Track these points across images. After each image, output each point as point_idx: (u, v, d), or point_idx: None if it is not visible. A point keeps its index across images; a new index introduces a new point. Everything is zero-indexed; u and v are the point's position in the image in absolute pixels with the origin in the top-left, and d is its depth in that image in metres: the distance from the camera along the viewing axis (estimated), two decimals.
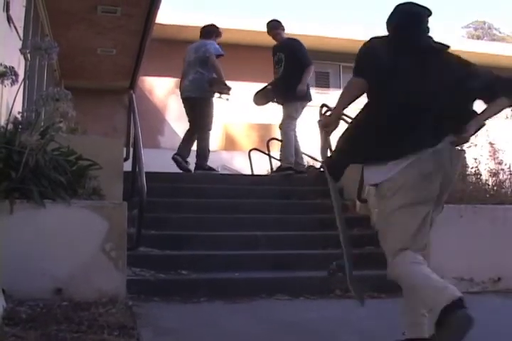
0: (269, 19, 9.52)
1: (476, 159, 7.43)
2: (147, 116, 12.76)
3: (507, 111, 8.04)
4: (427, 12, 3.79)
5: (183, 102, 9.48)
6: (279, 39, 9.36)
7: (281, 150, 9.19)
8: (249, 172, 11.43)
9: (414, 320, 3.63)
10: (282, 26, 9.44)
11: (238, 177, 9.81)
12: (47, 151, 5.10)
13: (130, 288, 5.07)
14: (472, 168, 7.47)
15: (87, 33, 11.78)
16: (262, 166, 10.96)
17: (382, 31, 3.85)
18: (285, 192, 8.23)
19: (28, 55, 5.40)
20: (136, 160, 6.47)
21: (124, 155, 7.21)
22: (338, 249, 6.50)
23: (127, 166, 6.94)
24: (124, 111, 10.01)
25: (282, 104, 9.15)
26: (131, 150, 7.16)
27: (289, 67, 9.00)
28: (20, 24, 8.15)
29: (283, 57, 9.10)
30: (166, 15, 13.88)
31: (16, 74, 4.94)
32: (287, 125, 8.96)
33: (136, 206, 5.54)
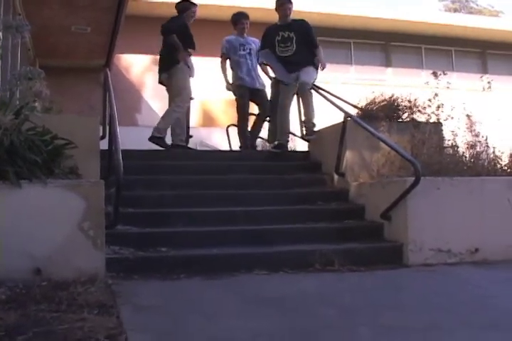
0: None
1: (453, 132, 7.45)
2: (124, 94, 12.71)
3: (484, 83, 8.16)
4: None
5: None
6: (288, 15, 9.13)
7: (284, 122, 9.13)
8: (228, 148, 11.43)
9: None
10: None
11: (216, 153, 9.79)
12: (21, 131, 5.08)
13: (109, 266, 5.08)
14: (449, 140, 7.50)
15: (61, 11, 11.64)
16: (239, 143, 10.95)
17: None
18: (263, 168, 8.22)
19: (0, 34, 5.34)
20: (113, 138, 6.43)
21: (101, 134, 7.16)
22: (317, 223, 6.62)
23: (104, 144, 6.90)
24: (100, 90, 9.92)
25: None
26: (108, 128, 7.12)
27: (300, 46, 8.92)
28: None
29: (293, 35, 8.95)
30: None
31: None
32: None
33: (113, 184, 5.50)
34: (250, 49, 9.88)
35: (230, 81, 9.95)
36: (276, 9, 9.16)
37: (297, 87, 8.77)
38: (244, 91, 9.81)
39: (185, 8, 9.32)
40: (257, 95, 9.89)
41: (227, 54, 9.96)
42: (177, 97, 9.05)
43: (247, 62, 9.83)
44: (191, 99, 9.44)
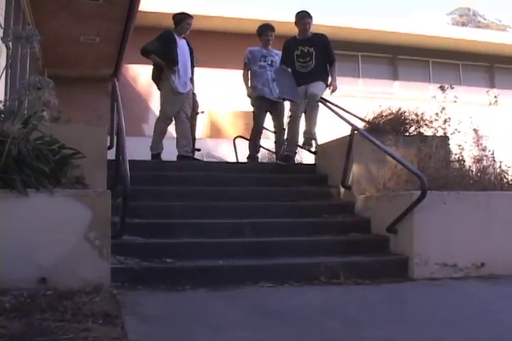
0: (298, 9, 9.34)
1: (459, 146, 7.44)
2: (131, 104, 12.74)
3: (490, 98, 8.16)
4: None
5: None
6: (307, 30, 9.14)
7: (293, 135, 9.13)
8: (234, 160, 11.45)
9: None
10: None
11: (223, 165, 9.81)
12: (29, 140, 5.09)
13: (114, 276, 5.08)
14: (456, 154, 7.50)
15: (70, 21, 11.71)
16: (246, 154, 10.96)
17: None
18: (270, 180, 8.23)
19: (10, 44, 5.37)
20: (120, 149, 6.44)
21: (108, 144, 7.19)
22: (323, 236, 6.62)
23: (111, 155, 6.92)
24: (108, 99, 9.95)
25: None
26: (115, 138, 7.14)
27: (318, 61, 8.96)
28: (1, 12, 8.09)
29: (313, 51, 8.98)
30: (148, 3, 13.82)
31: None
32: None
33: (120, 194, 5.52)
34: (272, 61, 9.89)
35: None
36: (295, 23, 9.18)
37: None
38: (261, 103, 9.84)
39: (180, 20, 9.41)
40: (275, 107, 9.90)
41: (248, 64, 10.00)
42: (159, 112, 9.42)
43: (266, 73, 9.84)
44: (197, 113, 9.55)
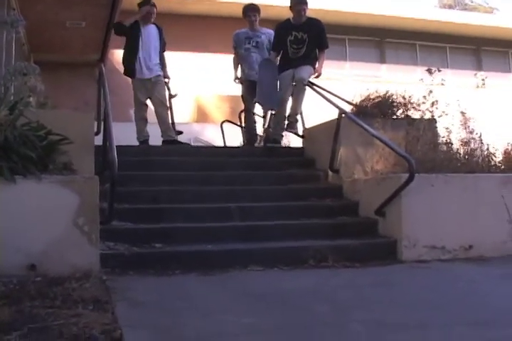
0: None
1: (447, 128, 7.45)
2: (118, 90, 12.62)
3: (478, 80, 8.14)
4: None
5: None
6: (302, 16, 8.88)
7: (281, 118, 9.06)
8: (222, 145, 11.43)
9: None
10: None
11: (211, 149, 9.80)
12: (16, 126, 5.07)
13: (104, 262, 5.09)
14: (443, 137, 7.51)
15: (55, 6, 11.59)
16: (234, 138, 10.96)
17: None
18: (258, 164, 8.24)
19: None
20: (107, 134, 6.42)
21: (95, 129, 7.16)
22: (311, 219, 6.63)
23: (98, 140, 6.89)
24: (95, 85, 9.89)
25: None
26: (102, 124, 7.11)
27: (309, 47, 8.86)
28: None
29: (306, 37, 8.81)
30: None
31: None
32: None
33: (108, 180, 5.51)
34: (257, 42, 9.75)
35: (239, 75, 9.99)
36: (290, 8, 8.94)
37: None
38: (247, 86, 9.77)
39: (140, 8, 9.46)
40: None
41: (236, 48, 9.97)
42: (133, 100, 9.49)
43: (250, 56, 9.73)
44: (171, 96, 9.54)
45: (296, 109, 8.80)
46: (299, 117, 9.04)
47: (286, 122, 8.90)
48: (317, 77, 8.92)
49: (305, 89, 8.72)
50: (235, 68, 10.01)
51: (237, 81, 9.99)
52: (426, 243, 6.15)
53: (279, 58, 9.16)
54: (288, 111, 8.92)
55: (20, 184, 4.80)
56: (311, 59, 8.89)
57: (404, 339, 3.61)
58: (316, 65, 8.98)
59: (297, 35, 8.83)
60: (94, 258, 4.98)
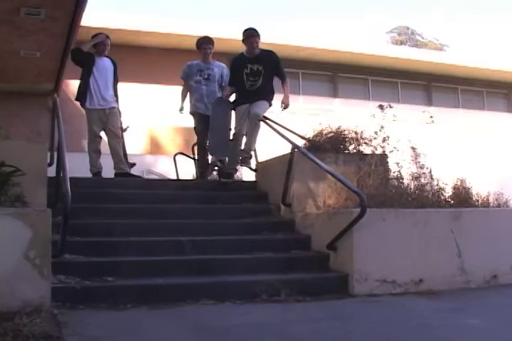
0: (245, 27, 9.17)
1: (398, 163, 7.57)
2: (72, 120, 12.57)
3: (428, 116, 8.29)
4: None
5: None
6: (255, 48, 8.96)
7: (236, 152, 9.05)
8: (175, 177, 11.41)
9: None
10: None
11: (164, 182, 9.78)
12: None
13: (55, 295, 5.03)
14: (394, 172, 7.62)
15: (10, 35, 11.52)
16: (187, 170, 10.96)
17: None
18: (211, 197, 8.25)
19: None
20: (60, 166, 6.39)
21: (48, 160, 7.11)
22: (264, 253, 6.65)
23: (51, 171, 6.85)
24: (48, 115, 9.88)
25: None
26: (56, 154, 7.06)
27: (265, 79, 8.91)
28: None
29: (262, 69, 8.87)
30: (92, 18, 13.72)
31: None
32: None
33: (60, 212, 5.47)
34: (209, 74, 9.75)
35: (185, 106, 10.02)
36: (243, 41, 9.01)
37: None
38: (198, 118, 9.76)
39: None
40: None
41: (185, 79, 9.97)
42: (87, 132, 9.46)
43: (200, 88, 9.72)
44: (123, 130, 9.55)
45: (250, 145, 8.83)
46: (252, 152, 9.07)
47: (240, 157, 8.92)
48: (285, 108, 8.92)
49: (259, 125, 8.76)
50: (182, 99, 10.04)
51: (182, 112, 10.01)
52: (377, 277, 6.21)
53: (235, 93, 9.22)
54: (242, 146, 8.96)
55: None
56: (267, 93, 8.94)
57: None
58: (273, 99, 9.04)
59: (253, 68, 8.88)
60: (46, 292, 4.92)
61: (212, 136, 9.09)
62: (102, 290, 5.48)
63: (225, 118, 9.14)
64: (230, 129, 9.11)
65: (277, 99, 9.04)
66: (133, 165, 9.72)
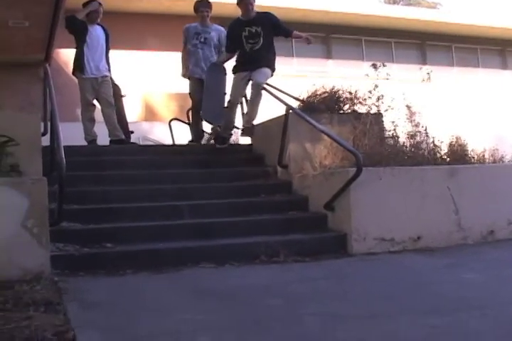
0: None
1: (393, 122, 7.57)
2: (64, 89, 12.49)
3: (423, 74, 8.25)
4: None
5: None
6: (250, 10, 8.70)
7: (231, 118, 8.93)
8: (171, 143, 11.40)
9: None
10: None
11: (159, 148, 9.76)
12: None
13: (55, 263, 5.06)
14: (390, 131, 7.61)
15: None
16: (182, 136, 10.93)
17: None
18: (207, 161, 8.23)
19: None
20: (54, 135, 6.37)
21: (42, 130, 7.09)
22: (261, 215, 6.67)
23: (46, 141, 6.83)
24: (40, 85, 9.78)
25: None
26: (49, 124, 7.04)
27: (266, 40, 8.65)
28: None
29: (261, 30, 8.61)
30: None
31: None
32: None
33: (56, 181, 5.47)
34: (206, 38, 9.63)
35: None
36: (237, 4, 8.77)
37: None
38: (194, 83, 9.66)
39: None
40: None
41: (185, 43, 9.83)
42: (80, 100, 9.36)
43: (197, 52, 9.61)
44: (122, 96, 9.48)
45: (252, 115, 8.65)
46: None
47: (240, 127, 8.86)
48: (308, 43, 8.78)
49: (261, 94, 8.61)
50: (184, 64, 9.92)
51: (186, 77, 9.92)
52: (375, 235, 6.24)
53: (235, 58, 9.06)
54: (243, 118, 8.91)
55: None
56: (268, 58, 8.72)
57: (356, 329, 3.67)
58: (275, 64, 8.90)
59: (251, 30, 8.69)
60: (45, 260, 4.95)
61: (206, 102, 8.99)
62: (101, 257, 5.51)
63: (219, 84, 9.05)
64: (225, 94, 9.04)
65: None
66: (131, 132, 9.70)
